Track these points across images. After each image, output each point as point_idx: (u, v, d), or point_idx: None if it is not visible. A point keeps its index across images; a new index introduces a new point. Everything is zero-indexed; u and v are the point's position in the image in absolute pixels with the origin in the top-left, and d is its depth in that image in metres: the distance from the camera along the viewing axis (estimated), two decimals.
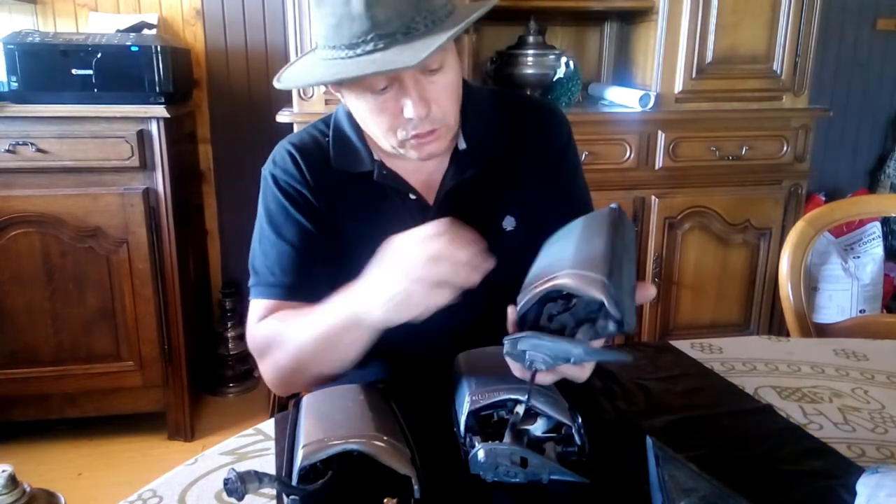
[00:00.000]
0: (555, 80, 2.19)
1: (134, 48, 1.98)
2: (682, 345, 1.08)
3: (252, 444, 0.79)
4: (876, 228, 2.66)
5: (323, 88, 1.97)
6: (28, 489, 0.56)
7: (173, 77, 2.03)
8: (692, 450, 0.73)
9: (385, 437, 0.68)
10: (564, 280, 0.65)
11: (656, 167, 2.18)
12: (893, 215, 1.98)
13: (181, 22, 2.41)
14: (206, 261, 2.61)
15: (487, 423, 0.74)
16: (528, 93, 2.19)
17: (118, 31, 2.13)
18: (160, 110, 1.96)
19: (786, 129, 2.23)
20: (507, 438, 0.69)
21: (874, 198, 2.28)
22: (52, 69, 1.95)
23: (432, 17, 0.80)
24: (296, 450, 0.68)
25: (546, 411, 0.71)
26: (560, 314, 0.68)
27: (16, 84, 1.94)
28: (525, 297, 0.68)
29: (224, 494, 0.62)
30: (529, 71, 2.18)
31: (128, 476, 2.01)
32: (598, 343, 0.67)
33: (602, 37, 2.54)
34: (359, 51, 0.79)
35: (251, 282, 0.97)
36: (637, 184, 2.18)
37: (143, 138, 1.98)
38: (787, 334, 1.43)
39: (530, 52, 2.18)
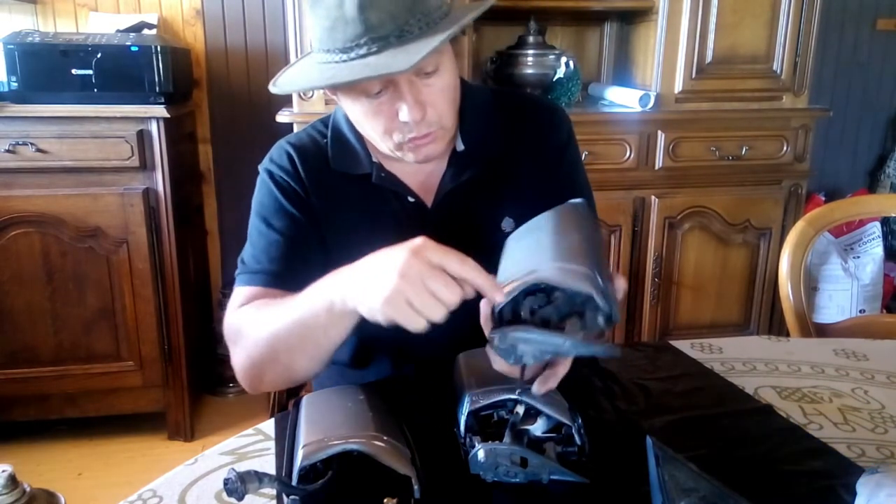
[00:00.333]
0: (555, 80, 2.19)
1: (134, 48, 1.98)
2: (682, 345, 1.08)
3: (252, 444, 0.79)
4: (876, 228, 2.66)
5: None
6: (28, 489, 0.56)
7: (173, 77, 2.03)
8: (692, 450, 0.73)
9: (385, 437, 0.68)
10: (548, 274, 0.64)
11: (656, 167, 2.18)
12: (893, 215, 1.98)
13: (181, 22, 2.41)
14: (206, 261, 2.61)
15: (487, 423, 0.74)
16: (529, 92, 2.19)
17: (118, 31, 2.13)
18: (160, 110, 1.96)
19: (786, 129, 2.23)
20: (507, 438, 0.69)
21: (874, 198, 2.28)
22: (52, 69, 1.95)
23: (426, 19, 0.79)
24: (296, 450, 0.68)
25: (546, 411, 0.71)
26: (541, 308, 0.66)
27: (16, 84, 1.94)
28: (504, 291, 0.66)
29: (224, 494, 0.62)
30: (529, 71, 2.18)
31: (128, 476, 2.01)
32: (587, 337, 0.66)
33: (602, 37, 2.54)
34: (352, 54, 0.79)
35: (237, 272, 0.95)
36: (637, 184, 2.18)
37: (143, 138, 1.98)
38: (787, 334, 1.43)
39: (530, 52, 2.18)
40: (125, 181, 2.01)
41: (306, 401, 0.79)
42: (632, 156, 2.15)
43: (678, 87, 2.16)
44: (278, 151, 0.99)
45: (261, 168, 0.99)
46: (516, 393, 0.72)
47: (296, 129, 1.94)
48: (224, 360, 2.51)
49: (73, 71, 1.95)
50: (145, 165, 2.00)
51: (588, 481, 0.68)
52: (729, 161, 2.21)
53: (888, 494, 0.61)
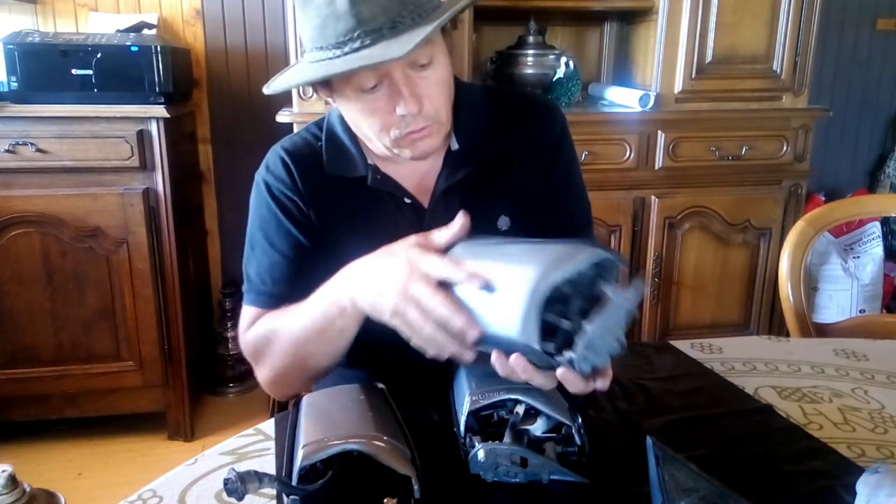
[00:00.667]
0: (555, 80, 2.19)
1: (134, 48, 1.98)
2: (682, 345, 1.08)
3: (252, 444, 0.79)
4: (876, 228, 2.66)
5: None
6: (28, 489, 0.56)
7: (173, 77, 2.03)
8: (692, 450, 0.73)
9: (385, 437, 0.68)
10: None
11: (656, 167, 2.18)
12: (893, 215, 1.98)
13: (181, 22, 2.41)
14: (206, 261, 2.61)
15: (487, 423, 0.74)
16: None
17: (118, 31, 2.13)
18: (160, 110, 1.96)
19: (786, 129, 2.23)
20: (507, 438, 0.69)
21: (874, 198, 2.28)
22: (52, 69, 1.95)
23: (419, 10, 0.79)
24: (296, 450, 0.68)
25: (546, 411, 0.71)
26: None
27: (16, 84, 1.94)
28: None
29: (224, 494, 0.62)
30: (529, 71, 2.18)
31: (128, 476, 2.01)
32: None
33: (602, 37, 2.54)
34: (346, 49, 0.79)
35: (244, 287, 0.98)
36: (637, 184, 2.18)
37: (143, 138, 1.98)
38: (787, 334, 1.43)
39: (530, 52, 2.18)
40: (125, 181, 2.01)
41: (306, 401, 0.79)
42: (632, 156, 2.15)
43: (678, 87, 2.16)
44: (273, 159, 0.98)
45: (257, 176, 0.99)
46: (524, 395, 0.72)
47: (296, 129, 1.94)
48: (224, 360, 2.51)
49: (73, 71, 1.95)
50: (145, 165, 2.00)
51: (588, 481, 0.68)
52: (729, 161, 2.21)
53: (888, 494, 0.61)
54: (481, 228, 0.78)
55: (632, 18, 2.38)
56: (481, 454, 0.67)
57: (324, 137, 0.98)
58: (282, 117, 2.01)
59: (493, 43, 2.35)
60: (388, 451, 0.66)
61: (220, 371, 2.52)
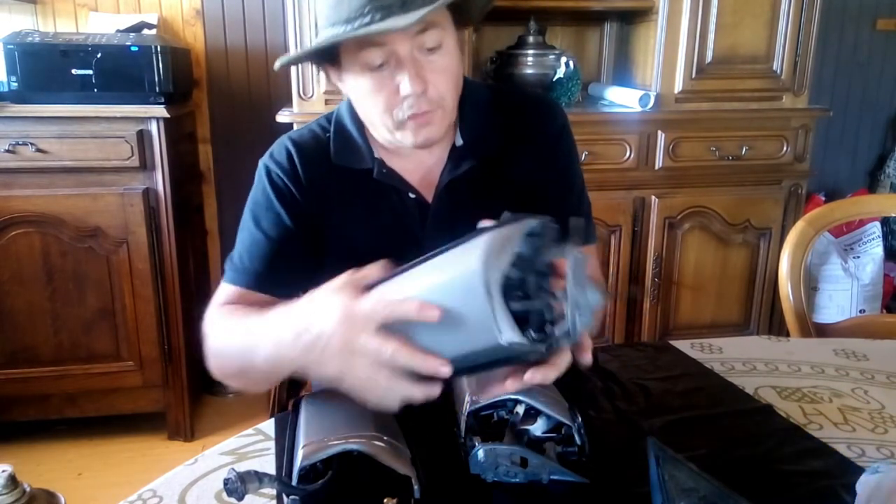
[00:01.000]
0: (555, 80, 2.18)
1: (134, 48, 1.98)
2: (682, 345, 1.08)
3: (252, 444, 0.79)
4: (876, 228, 2.66)
5: (323, 87, 1.97)
6: (28, 489, 0.56)
7: (173, 77, 2.03)
8: (692, 450, 0.73)
9: (385, 437, 0.68)
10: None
11: (656, 167, 2.18)
12: (893, 215, 1.98)
13: (181, 22, 2.41)
14: (206, 261, 2.61)
15: (487, 423, 0.74)
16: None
17: (118, 31, 2.13)
18: (160, 110, 1.96)
19: (786, 129, 2.23)
20: (507, 438, 0.69)
21: (874, 198, 2.28)
22: (52, 69, 1.95)
23: None
24: (296, 450, 0.68)
25: (546, 411, 0.71)
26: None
27: (16, 84, 1.94)
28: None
29: (224, 494, 0.62)
30: (529, 71, 2.18)
31: (128, 476, 2.01)
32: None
33: (602, 37, 2.54)
34: (356, 24, 0.80)
35: (225, 266, 0.97)
36: (637, 184, 2.18)
37: (143, 138, 1.98)
38: (787, 334, 1.43)
39: (530, 52, 2.18)
40: (125, 181, 2.01)
41: (306, 401, 0.79)
42: (632, 156, 2.15)
43: (678, 87, 2.16)
44: (279, 147, 1.00)
45: (260, 162, 1.00)
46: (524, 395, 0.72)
47: (296, 128, 1.94)
48: None
49: (73, 71, 1.95)
50: (145, 165, 2.00)
51: (588, 481, 0.68)
52: (729, 161, 2.21)
53: (888, 494, 0.61)
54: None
55: (632, 18, 2.38)
56: (481, 454, 0.67)
57: (332, 129, 0.99)
58: (282, 117, 2.01)
59: (493, 43, 2.35)
60: (388, 451, 0.66)
61: None
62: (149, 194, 2.02)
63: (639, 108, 2.12)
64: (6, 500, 0.54)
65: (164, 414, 2.20)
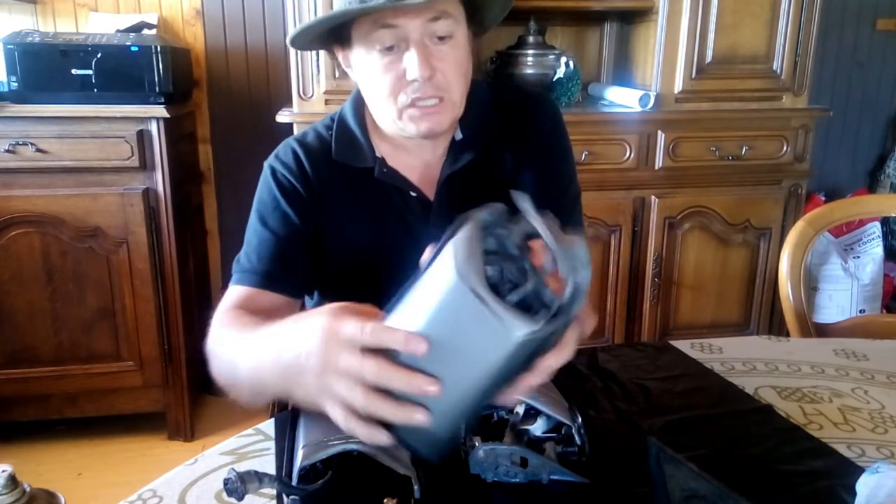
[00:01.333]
0: (555, 80, 2.18)
1: (134, 48, 1.98)
2: (682, 345, 1.08)
3: (252, 444, 0.79)
4: (876, 228, 2.66)
5: (323, 87, 1.97)
6: (28, 489, 0.56)
7: (173, 77, 2.03)
8: (692, 450, 0.73)
9: None
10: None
11: (656, 167, 2.18)
12: (893, 215, 1.98)
13: (181, 22, 2.41)
14: (206, 261, 2.61)
15: (487, 423, 0.74)
16: None
17: (118, 31, 2.13)
18: (160, 110, 1.96)
19: (786, 129, 2.23)
20: (507, 438, 0.69)
21: (874, 198, 2.28)
22: (52, 69, 1.95)
23: None
24: (296, 450, 0.68)
25: (546, 411, 0.71)
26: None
27: (16, 84, 1.94)
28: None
29: (224, 494, 0.62)
30: (529, 71, 2.18)
31: (128, 476, 2.01)
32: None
33: (602, 37, 2.54)
34: (375, 3, 0.80)
35: (233, 269, 0.95)
36: (637, 184, 2.18)
37: (143, 138, 1.98)
38: (787, 334, 1.43)
39: (530, 52, 2.18)
40: (125, 181, 2.01)
41: None
42: (632, 156, 2.15)
43: (678, 87, 2.16)
44: (284, 149, 1.00)
45: (265, 164, 1.00)
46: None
47: (296, 129, 1.94)
48: None
49: (73, 71, 1.95)
50: (145, 165, 2.00)
51: (588, 481, 0.68)
52: (729, 161, 2.21)
53: (888, 494, 0.61)
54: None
55: (632, 18, 2.38)
56: (481, 454, 0.67)
57: (335, 127, 1.00)
58: (282, 117, 2.01)
59: (493, 43, 2.35)
60: (388, 451, 0.66)
61: None
62: (149, 194, 2.02)
63: (639, 108, 2.12)
64: (6, 500, 0.54)
65: (164, 414, 2.20)
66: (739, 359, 1.03)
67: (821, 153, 2.82)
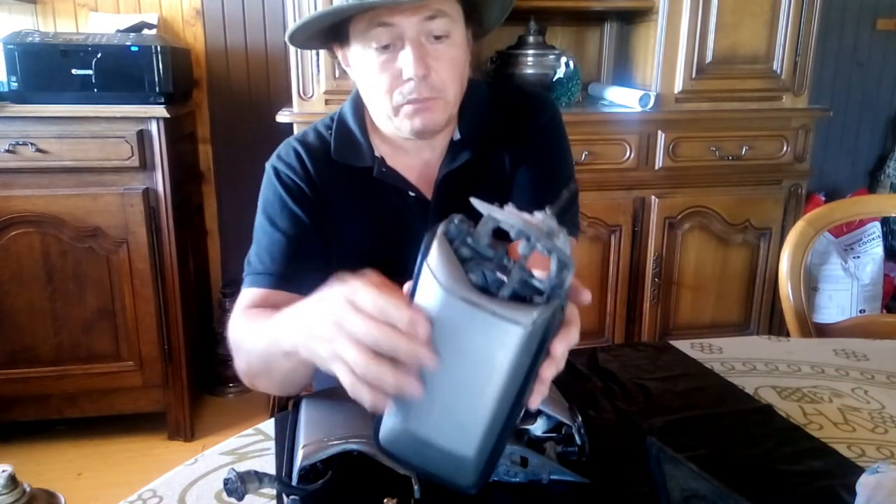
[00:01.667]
0: (555, 80, 2.18)
1: (134, 48, 1.98)
2: (682, 345, 1.08)
3: (252, 444, 0.79)
4: (876, 228, 2.66)
5: (323, 87, 1.97)
6: (28, 489, 0.56)
7: (173, 77, 2.03)
8: (692, 450, 0.73)
9: None
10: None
11: (656, 167, 2.18)
12: (893, 215, 1.98)
13: (181, 22, 2.41)
14: (206, 261, 2.61)
15: None
16: None
17: (118, 31, 2.13)
18: (160, 110, 1.96)
19: (786, 129, 2.23)
20: None
21: (874, 198, 2.28)
22: (52, 69, 1.95)
23: None
24: (296, 450, 0.68)
25: (546, 411, 0.71)
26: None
27: (16, 84, 1.94)
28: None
29: (224, 494, 0.62)
30: (529, 71, 2.18)
31: (128, 476, 2.01)
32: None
33: (602, 37, 2.54)
34: (366, 2, 0.80)
35: (244, 272, 0.96)
36: (637, 184, 2.18)
37: (143, 138, 1.98)
38: (787, 334, 1.43)
39: (530, 52, 2.18)
40: (125, 181, 2.01)
41: (306, 401, 0.79)
42: (632, 156, 2.15)
43: (678, 87, 2.16)
44: (286, 149, 1.00)
45: (267, 165, 1.00)
46: None
47: (296, 129, 1.94)
48: (224, 360, 2.51)
49: (73, 71, 1.95)
50: (145, 165, 2.00)
51: (588, 481, 0.68)
52: (729, 161, 2.21)
53: (888, 494, 0.61)
54: (477, 217, 0.76)
55: (632, 18, 2.38)
56: None
57: (335, 126, 1.00)
58: (282, 117, 2.01)
59: (493, 43, 2.35)
60: None
61: (220, 371, 2.52)
62: (149, 194, 2.02)
63: (639, 108, 2.12)
64: (6, 500, 0.54)
65: (164, 414, 2.20)
66: (739, 359, 1.03)
67: (821, 153, 2.82)
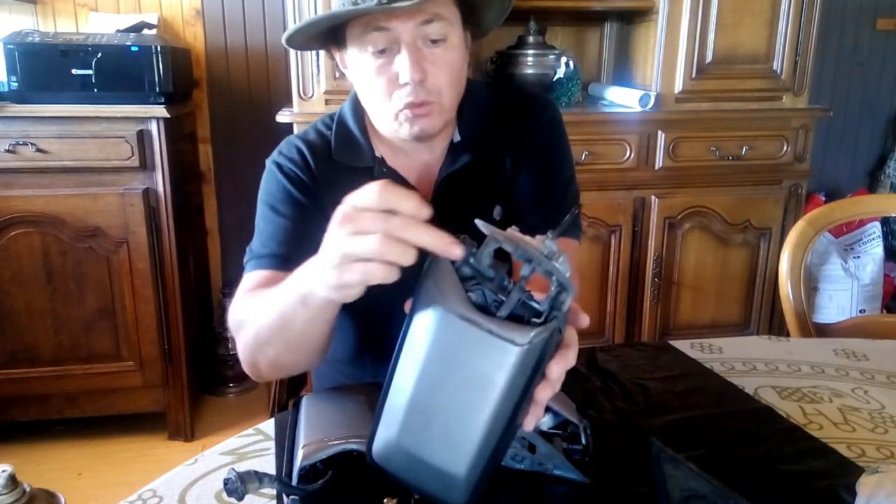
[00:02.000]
0: (555, 80, 2.18)
1: (134, 48, 1.98)
2: (682, 345, 1.08)
3: (252, 444, 0.79)
4: (876, 228, 2.66)
5: (323, 87, 1.97)
6: (28, 489, 0.56)
7: (173, 77, 2.03)
8: (692, 450, 0.73)
9: None
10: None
11: (656, 167, 2.18)
12: (893, 215, 1.98)
13: (181, 22, 2.41)
14: (206, 261, 2.61)
15: None
16: None
17: (118, 31, 2.13)
18: (160, 110, 1.96)
19: (786, 129, 2.23)
20: None
21: (874, 198, 2.28)
22: (52, 69, 1.95)
23: None
24: (296, 450, 0.68)
25: (554, 407, 0.71)
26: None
27: (16, 84, 1.94)
28: None
29: (224, 494, 0.62)
30: (529, 71, 2.18)
31: (128, 476, 2.01)
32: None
33: (602, 37, 2.54)
34: (364, 5, 0.80)
35: (245, 260, 0.94)
36: (637, 184, 2.18)
37: (143, 138, 1.98)
38: (787, 334, 1.43)
39: (530, 52, 2.18)
40: (125, 181, 2.01)
41: (306, 401, 0.79)
42: (632, 156, 2.15)
43: (678, 87, 2.16)
44: (287, 146, 1.00)
45: (268, 161, 1.00)
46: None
47: (296, 129, 1.94)
48: (224, 360, 2.51)
49: (73, 71, 1.95)
50: (145, 165, 2.00)
51: (588, 481, 0.68)
52: (729, 161, 2.21)
53: (888, 494, 0.61)
54: (477, 218, 0.77)
55: (632, 18, 2.38)
56: None
57: (335, 127, 1.00)
58: (282, 117, 2.01)
59: (493, 43, 2.35)
60: None
61: (220, 371, 2.52)
62: (149, 194, 2.02)
63: (639, 108, 2.12)
64: (6, 500, 0.54)
65: (164, 414, 2.20)
66: (739, 359, 1.03)
67: (821, 153, 2.82)
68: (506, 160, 1.01)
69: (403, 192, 0.56)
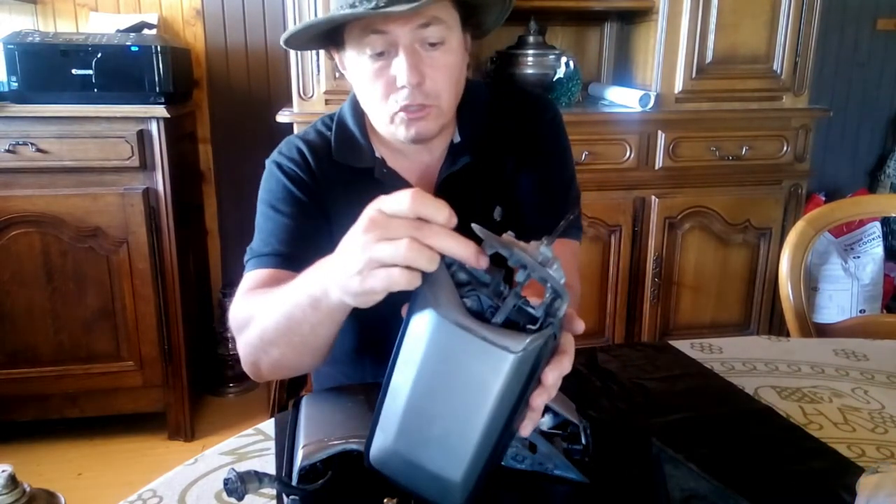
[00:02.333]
0: (555, 80, 2.18)
1: (134, 48, 1.98)
2: (682, 345, 1.08)
3: (252, 444, 0.79)
4: (876, 228, 2.66)
5: (323, 87, 1.97)
6: (28, 489, 0.56)
7: (173, 77, 2.03)
8: (692, 450, 0.73)
9: None
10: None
11: (656, 167, 2.18)
12: (893, 215, 1.98)
13: (181, 22, 2.41)
14: (206, 261, 2.61)
15: None
16: None
17: (118, 31, 2.13)
18: (160, 110, 1.96)
19: (786, 129, 2.23)
20: None
21: (874, 198, 2.28)
22: (52, 69, 1.95)
23: None
24: (296, 450, 0.68)
25: (554, 408, 0.71)
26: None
27: (16, 84, 1.94)
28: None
29: (224, 494, 0.62)
30: (529, 71, 2.18)
31: (128, 476, 2.01)
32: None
33: (602, 37, 2.54)
34: (360, 9, 0.80)
35: (245, 259, 0.93)
36: (637, 184, 2.18)
37: (143, 138, 1.98)
38: (787, 334, 1.43)
39: (530, 52, 2.18)
40: (125, 181, 2.01)
41: (306, 401, 0.79)
42: (632, 156, 2.15)
43: (678, 87, 2.16)
44: (287, 145, 1.00)
45: (268, 161, 1.00)
46: None
47: (296, 129, 1.94)
48: (224, 360, 2.51)
49: (74, 71, 1.95)
50: (145, 165, 2.00)
51: (588, 481, 0.68)
52: (729, 161, 2.21)
53: (888, 494, 0.61)
54: (478, 219, 0.77)
55: (632, 18, 2.38)
56: None
57: (334, 127, 1.00)
58: (282, 117, 2.01)
59: (493, 43, 2.35)
60: None
61: (220, 371, 2.52)
62: (149, 194, 2.03)
63: (639, 108, 2.12)
64: (6, 500, 0.54)
65: (164, 414, 2.20)
66: (739, 359, 1.03)
67: (821, 153, 2.82)
68: (506, 161, 1.01)
69: (436, 200, 0.55)
